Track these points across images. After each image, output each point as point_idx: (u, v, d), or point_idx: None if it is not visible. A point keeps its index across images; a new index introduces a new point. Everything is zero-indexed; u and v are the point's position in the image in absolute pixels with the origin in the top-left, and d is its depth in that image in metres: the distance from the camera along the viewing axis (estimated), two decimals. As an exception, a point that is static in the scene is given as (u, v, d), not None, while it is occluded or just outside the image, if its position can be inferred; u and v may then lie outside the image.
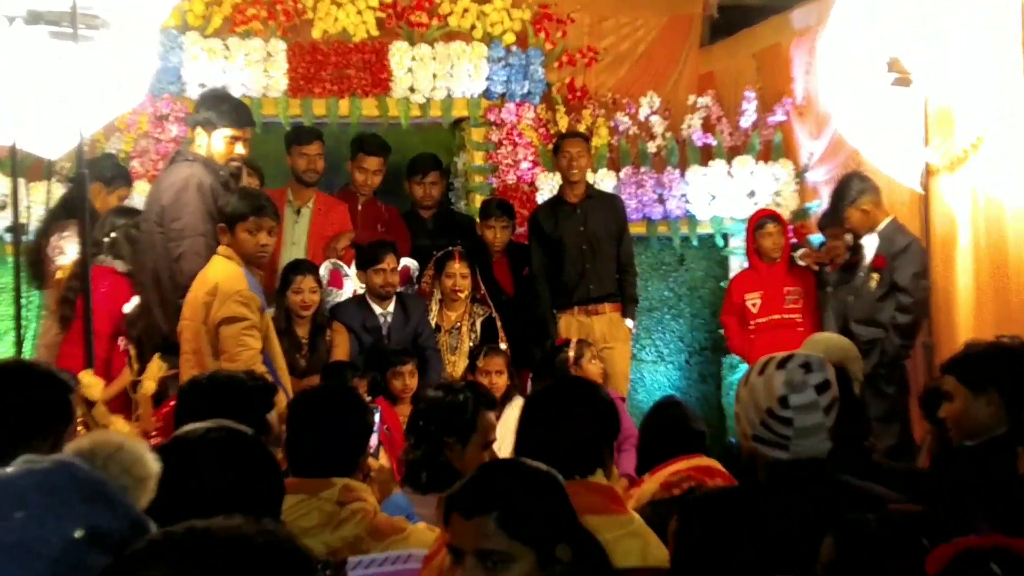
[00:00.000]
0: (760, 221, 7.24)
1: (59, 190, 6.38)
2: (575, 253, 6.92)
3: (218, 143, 5.40)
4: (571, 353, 6.20)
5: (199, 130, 5.41)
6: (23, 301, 5.33)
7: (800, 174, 7.81)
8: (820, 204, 7.48)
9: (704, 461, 4.05)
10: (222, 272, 4.92)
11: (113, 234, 5.78)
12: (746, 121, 7.96)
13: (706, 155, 7.95)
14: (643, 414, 4.62)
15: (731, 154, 7.91)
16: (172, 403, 4.28)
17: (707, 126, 8.01)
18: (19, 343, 5.27)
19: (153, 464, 1.97)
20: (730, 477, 3.92)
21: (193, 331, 4.93)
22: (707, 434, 4.27)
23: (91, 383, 4.48)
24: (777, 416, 2.73)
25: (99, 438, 1.95)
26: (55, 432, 2.92)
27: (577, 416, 3.16)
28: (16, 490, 1.76)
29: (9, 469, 1.82)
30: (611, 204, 7.10)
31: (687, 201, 7.87)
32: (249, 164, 6.30)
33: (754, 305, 7.20)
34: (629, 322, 7.00)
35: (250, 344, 4.86)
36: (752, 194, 7.83)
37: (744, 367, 7.41)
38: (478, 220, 7.15)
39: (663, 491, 3.84)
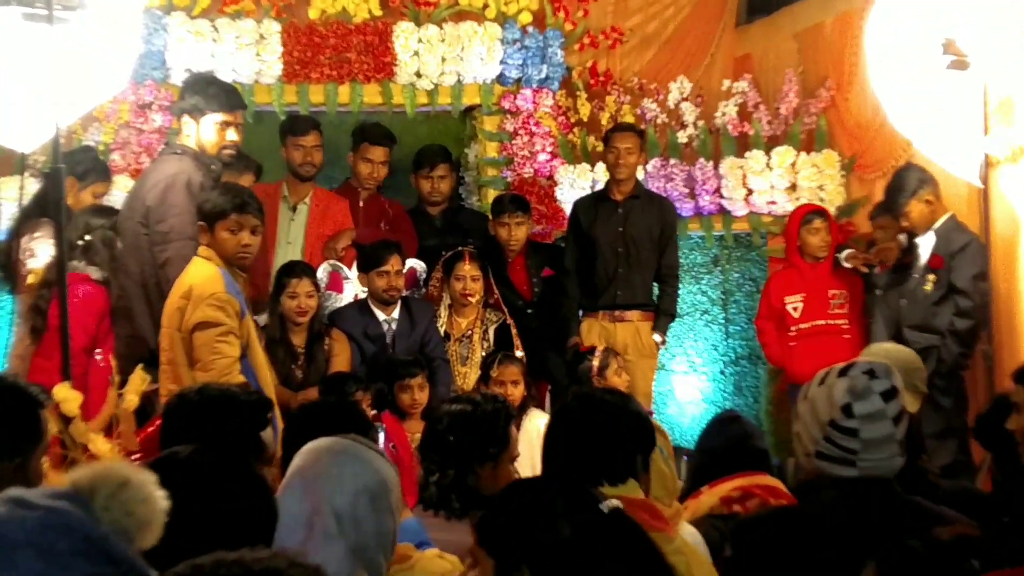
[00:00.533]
0: (807, 216, 7.21)
1: (33, 186, 6.41)
2: (609, 254, 6.96)
3: (208, 131, 5.41)
4: (595, 362, 6.22)
5: (186, 119, 5.43)
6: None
7: (846, 165, 7.80)
8: (866, 200, 7.48)
9: (768, 480, 4.07)
10: (198, 274, 4.93)
11: (88, 237, 5.80)
12: (786, 108, 7.95)
13: (742, 145, 7.95)
14: (674, 430, 4.64)
15: (770, 144, 7.90)
16: (157, 423, 4.29)
17: (743, 114, 8.01)
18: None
19: (161, 503, 1.93)
20: (794, 500, 3.94)
21: (169, 339, 4.95)
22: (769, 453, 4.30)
23: (68, 397, 4.48)
24: (841, 427, 2.75)
25: (102, 472, 1.89)
26: (23, 452, 2.93)
27: (607, 425, 3.20)
28: (4, 546, 1.72)
29: None
30: (658, 207, 7.13)
31: (721, 196, 7.86)
32: (245, 160, 6.33)
33: (795, 309, 7.18)
34: (657, 337, 7.00)
35: (225, 351, 4.85)
36: (793, 188, 7.82)
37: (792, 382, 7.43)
38: (491, 217, 7.18)
39: (722, 505, 3.86)
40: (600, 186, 7.50)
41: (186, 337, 4.89)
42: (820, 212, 7.28)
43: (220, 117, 5.43)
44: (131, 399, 4.96)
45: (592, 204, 7.13)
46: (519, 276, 7.07)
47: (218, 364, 4.82)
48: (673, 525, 3.29)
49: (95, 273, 5.70)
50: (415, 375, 6.02)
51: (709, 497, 3.94)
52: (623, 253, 6.96)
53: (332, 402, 4.32)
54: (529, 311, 6.96)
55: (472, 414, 3.74)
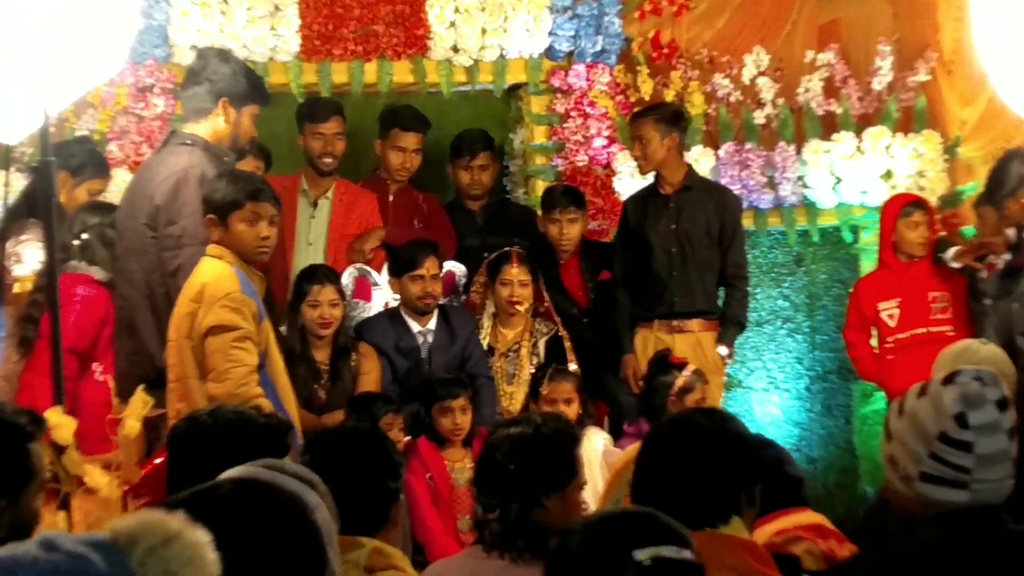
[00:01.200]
0: (905, 207, 7.13)
1: (20, 182, 6.45)
2: (662, 256, 6.88)
3: (246, 122, 5.55)
4: (680, 382, 6.09)
5: (222, 103, 5.46)
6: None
7: (950, 149, 7.72)
8: (976, 187, 7.39)
9: (812, 517, 4.05)
10: (209, 273, 4.94)
11: (84, 235, 5.82)
12: (880, 83, 7.89)
13: (829, 126, 7.90)
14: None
15: (861, 124, 7.86)
16: (164, 455, 4.29)
17: (830, 90, 7.95)
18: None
19: (211, 569, 1.87)
20: (843, 537, 3.91)
21: (176, 351, 4.94)
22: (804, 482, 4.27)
23: (61, 423, 4.50)
24: (954, 440, 2.71)
25: (147, 522, 1.84)
26: (12, 491, 2.93)
27: (707, 454, 3.20)
28: None
29: (6, 553, 1.74)
30: (717, 198, 7.03)
31: (805, 185, 7.82)
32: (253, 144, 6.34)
33: (891, 316, 7.11)
34: (723, 349, 6.88)
35: (242, 359, 4.85)
36: (888, 175, 7.77)
37: (881, 396, 7.35)
38: (540, 212, 7.15)
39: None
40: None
41: (197, 345, 4.89)
42: (919, 203, 7.20)
43: (258, 109, 5.60)
44: (132, 425, 4.98)
45: (642, 201, 7.07)
46: (573, 280, 7.04)
47: (234, 374, 4.83)
48: None
49: (98, 274, 5.74)
50: (457, 396, 5.99)
51: None
52: (677, 253, 6.88)
53: (353, 428, 4.26)
54: (585, 320, 6.93)
55: (535, 438, 3.70)
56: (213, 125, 5.47)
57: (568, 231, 6.96)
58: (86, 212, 5.96)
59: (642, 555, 2.27)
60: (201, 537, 1.87)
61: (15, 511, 2.93)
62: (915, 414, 2.79)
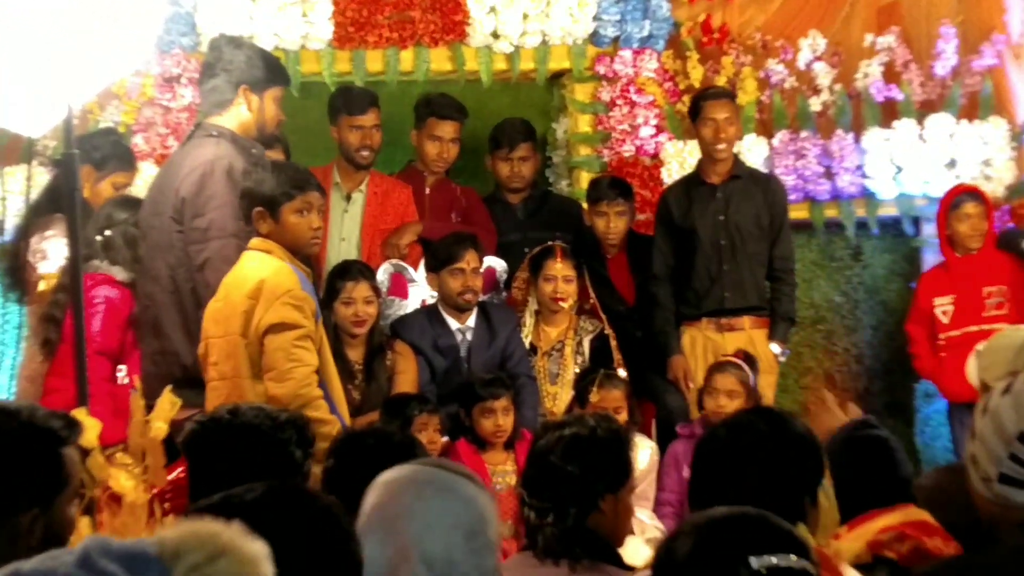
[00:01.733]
0: (956, 199, 7.15)
1: (43, 176, 6.51)
2: (710, 250, 6.89)
3: (271, 107, 5.57)
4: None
5: (242, 91, 5.52)
6: (-2, 320, 5.44)
7: (1018, 136, 7.70)
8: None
9: (918, 514, 4.03)
10: (265, 269, 4.98)
11: (108, 232, 5.88)
12: (943, 67, 7.87)
13: (889, 113, 7.89)
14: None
15: (923, 111, 7.84)
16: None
17: (890, 75, 7.94)
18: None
19: None
20: (948, 536, 3.90)
21: (226, 349, 4.98)
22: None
23: (86, 425, 4.55)
24: None
25: (196, 534, 1.79)
26: (44, 499, 2.94)
27: (768, 457, 3.19)
28: None
29: (41, 567, 1.73)
30: (765, 188, 7.05)
31: (864, 175, 7.81)
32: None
33: (944, 313, 7.14)
34: (775, 347, 6.90)
35: (305, 359, 4.92)
36: (952, 164, 7.76)
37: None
38: (585, 205, 7.17)
39: (869, 551, 3.83)
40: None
41: (253, 343, 4.94)
42: (974, 194, 7.20)
43: (280, 92, 5.62)
44: (159, 427, 5.01)
45: (684, 191, 7.06)
46: (620, 276, 7.07)
47: (297, 374, 4.89)
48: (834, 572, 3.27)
49: (120, 274, 5.77)
50: (499, 397, 6.00)
51: (851, 542, 3.89)
52: (727, 246, 6.89)
53: (379, 432, 4.21)
54: (633, 317, 6.96)
55: (591, 439, 3.72)
56: (237, 115, 5.52)
57: (616, 224, 7.00)
58: (114, 207, 6.00)
59: (758, 563, 2.22)
60: (257, 551, 1.83)
61: (48, 519, 2.94)
62: (997, 412, 2.79)
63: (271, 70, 5.59)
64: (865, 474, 4.02)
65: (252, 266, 5.04)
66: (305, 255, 5.21)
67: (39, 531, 2.88)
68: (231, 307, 4.99)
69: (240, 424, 3.71)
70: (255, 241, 5.09)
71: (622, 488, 3.70)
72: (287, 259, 5.05)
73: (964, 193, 7.21)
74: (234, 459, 3.55)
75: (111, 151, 6.41)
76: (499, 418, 5.96)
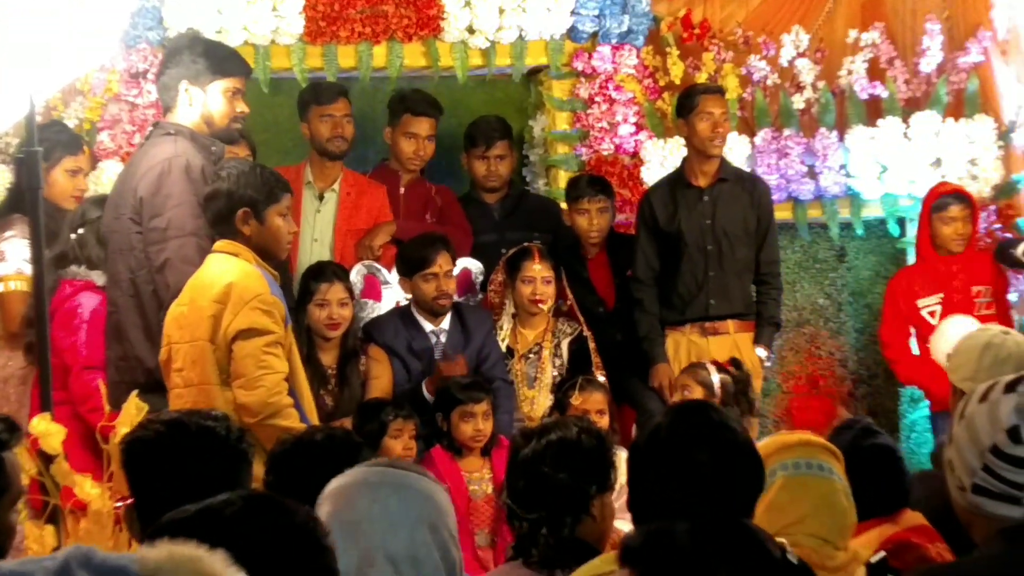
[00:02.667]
0: (941, 200, 7.16)
1: (4, 175, 6.47)
2: (696, 255, 6.88)
3: (216, 100, 5.48)
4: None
5: (186, 88, 5.47)
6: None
7: (1005, 134, 7.70)
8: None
9: (917, 519, 4.05)
10: (233, 272, 4.96)
11: (81, 231, 5.84)
12: (928, 64, 7.88)
13: (874, 111, 7.89)
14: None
15: (908, 109, 7.84)
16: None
17: (875, 72, 7.94)
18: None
19: None
20: (944, 541, 3.91)
21: (192, 355, 4.95)
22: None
23: (49, 431, 4.52)
24: (1006, 455, 2.70)
25: (178, 556, 1.80)
26: None
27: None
28: None
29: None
30: (751, 190, 7.05)
31: (848, 175, 7.81)
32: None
33: (932, 314, 7.15)
34: (761, 351, 6.91)
35: (275, 365, 4.91)
36: (938, 163, 7.76)
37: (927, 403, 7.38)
38: (564, 204, 7.15)
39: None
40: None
41: (221, 349, 4.92)
42: (959, 195, 7.22)
43: (230, 84, 5.50)
44: (124, 433, 5.00)
45: (669, 193, 7.03)
46: (600, 277, 7.05)
47: (267, 381, 4.88)
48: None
49: (100, 279, 5.75)
50: (480, 400, 6.00)
51: (860, 548, 3.89)
52: (714, 252, 6.88)
53: (316, 438, 4.01)
54: (615, 320, 6.95)
55: (578, 444, 3.73)
56: (185, 112, 5.48)
57: (598, 221, 6.98)
58: (89, 205, 6.00)
59: None
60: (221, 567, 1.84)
61: None
62: (972, 420, 2.77)
63: (214, 61, 5.50)
64: (873, 483, 4.02)
65: (219, 269, 5.00)
66: (277, 259, 5.18)
67: None
68: (197, 311, 4.96)
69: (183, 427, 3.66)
70: (221, 244, 5.07)
71: (608, 491, 3.70)
72: (255, 262, 5.03)
73: (950, 194, 7.21)
74: (181, 463, 3.48)
75: (55, 139, 6.35)
76: (479, 422, 5.96)
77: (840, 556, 3.34)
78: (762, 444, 3.46)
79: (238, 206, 5.04)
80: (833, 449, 3.56)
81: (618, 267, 7.09)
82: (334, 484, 2.85)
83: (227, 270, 4.98)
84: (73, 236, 5.85)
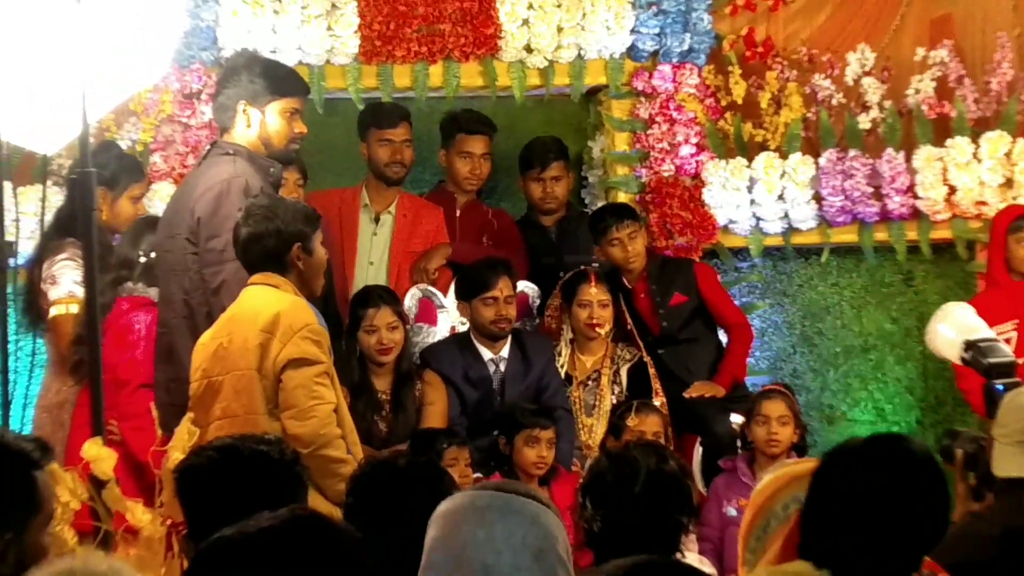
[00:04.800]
0: (1015, 221, 7.12)
1: (57, 197, 6.54)
2: None
3: (274, 121, 5.53)
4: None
5: (244, 108, 5.52)
6: (10, 347, 5.42)
7: (1079, 155, 7.67)
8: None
9: None
10: (280, 302, 4.97)
11: (153, 254, 5.90)
12: (999, 82, 7.85)
13: (942, 131, 7.85)
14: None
15: (978, 128, 7.81)
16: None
17: (943, 91, 7.91)
18: (5, 406, 5.37)
19: None
20: None
21: (237, 386, 4.96)
22: None
23: (100, 456, 4.54)
24: None
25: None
26: (17, 523, 2.97)
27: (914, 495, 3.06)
28: None
29: None
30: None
31: (916, 196, 7.77)
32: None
33: (1009, 341, 7.07)
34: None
35: (326, 396, 4.91)
36: (1009, 184, 7.71)
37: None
38: (595, 242, 7.10)
39: None
40: (759, 184, 7.51)
41: (269, 379, 4.92)
42: None
43: (289, 104, 5.55)
44: (176, 458, 5.03)
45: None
46: (643, 304, 7.02)
47: (319, 412, 4.88)
48: None
49: (157, 296, 5.79)
50: (547, 427, 6.02)
51: None
52: None
53: (399, 463, 3.98)
54: (661, 351, 6.93)
55: (668, 471, 3.79)
56: (244, 133, 5.54)
57: (634, 248, 6.93)
58: (144, 225, 6.06)
59: None
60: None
61: (20, 545, 2.98)
62: None
63: (273, 81, 5.56)
64: None
65: (263, 299, 5.01)
66: (314, 292, 5.21)
67: (12, 556, 2.91)
68: (241, 341, 4.96)
69: (237, 453, 3.71)
70: (258, 276, 5.06)
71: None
72: (295, 293, 5.05)
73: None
74: (236, 490, 3.53)
75: (118, 165, 6.43)
76: (543, 449, 5.98)
77: None
78: (772, 476, 3.48)
79: (292, 242, 5.05)
80: None
81: (660, 295, 7.01)
82: (443, 507, 2.87)
83: (272, 300, 4.99)
84: (144, 259, 5.91)
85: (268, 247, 5.05)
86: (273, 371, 4.91)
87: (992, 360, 5.39)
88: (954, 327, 5.55)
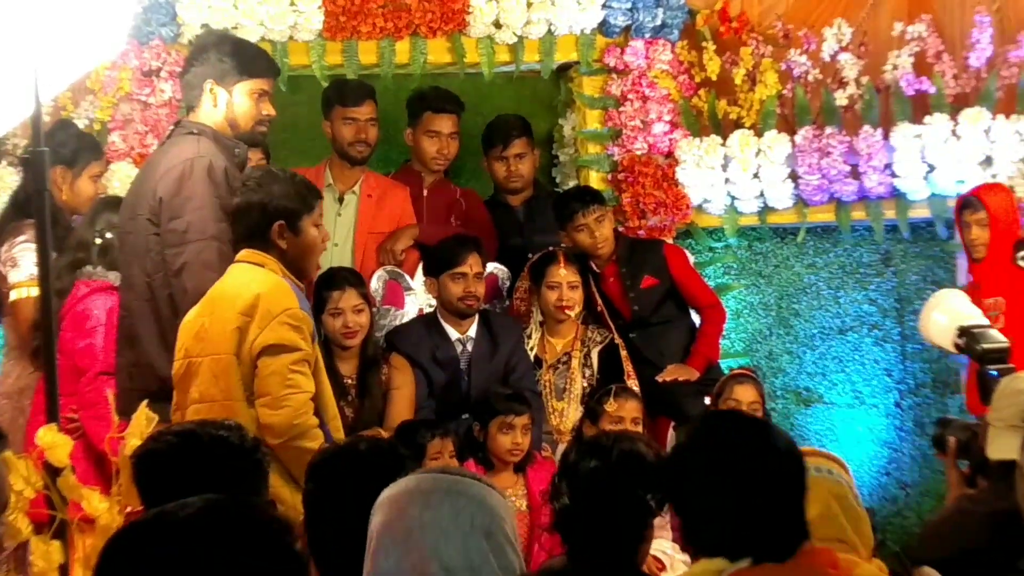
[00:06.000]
0: (962, 204, 7.22)
1: (12, 177, 6.51)
2: None
3: (242, 101, 5.52)
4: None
5: (211, 87, 5.50)
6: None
7: (1059, 132, 7.69)
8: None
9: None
10: (261, 283, 4.95)
11: (108, 235, 5.87)
12: (978, 58, 7.86)
13: (921, 108, 7.87)
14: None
15: (957, 105, 7.82)
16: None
17: (921, 66, 7.92)
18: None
19: None
20: None
21: (214, 370, 4.93)
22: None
23: (56, 443, 4.53)
24: None
25: None
26: None
27: (754, 473, 3.13)
28: None
29: None
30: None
31: (894, 174, 7.78)
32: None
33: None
34: None
35: (302, 384, 4.89)
36: (988, 162, 7.73)
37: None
38: (560, 228, 7.04)
39: None
40: (734, 163, 7.51)
41: (246, 364, 4.91)
42: (972, 199, 7.20)
43: (257, 85, 5.54)
44: (134, 444, 5.01)
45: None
46: (612, 288, 6.99)
47: (293, 401, 4.85)
48: None
49: (116, 280, 5.77)
50: (522, 413, 6.01)
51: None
52: None
53: (360, 448, 3.94)
54: (632, 334, 6.91)
55: (634, 452, 3.89)
56: (209, 112, 5.51)
57: (601, 232, 6.89)
58: (103, 206, 6.03)
59: None
60: None
61: None
62: None
63: (242, 61, 5.53)
64: None
65: (244, 280, 4.99)
66: (307, 274, 5.20)
67: None
68: (220, 324, 4.94)
69: (196, 438, 3.70)
70: (245, 253, 5.06)
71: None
72: (281, 273, 5.02)
73: (969, 198, 7.23)
74: (193, 475, 3.52)
75: (77, 144, 6.41)
76: (518, 436, 5.96)
77: (865, 569, 3.34)
78: None
79: (274, 219, 5.04)
80: (840, 460, 3.60)
81: (630, 278, 6.97)
82: (386, 493, 2.88)
83: (254, 281, 4.96)
84: (99, 241, 5.88)
85: (250, 222, 5.07)
86: (250, 356, 4.89)
87: (986, 346, 5.43)
88: (947, 314, 5.59)
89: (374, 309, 6.34)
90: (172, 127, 5.80)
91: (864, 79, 7.91)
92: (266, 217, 5.04)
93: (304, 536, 3.52)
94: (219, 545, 2.20)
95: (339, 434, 5.13)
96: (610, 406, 6.09)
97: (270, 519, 2.36)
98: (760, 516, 3.02)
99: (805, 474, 3.16)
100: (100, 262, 5.91)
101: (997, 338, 5.51)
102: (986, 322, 5.61)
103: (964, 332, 5.48)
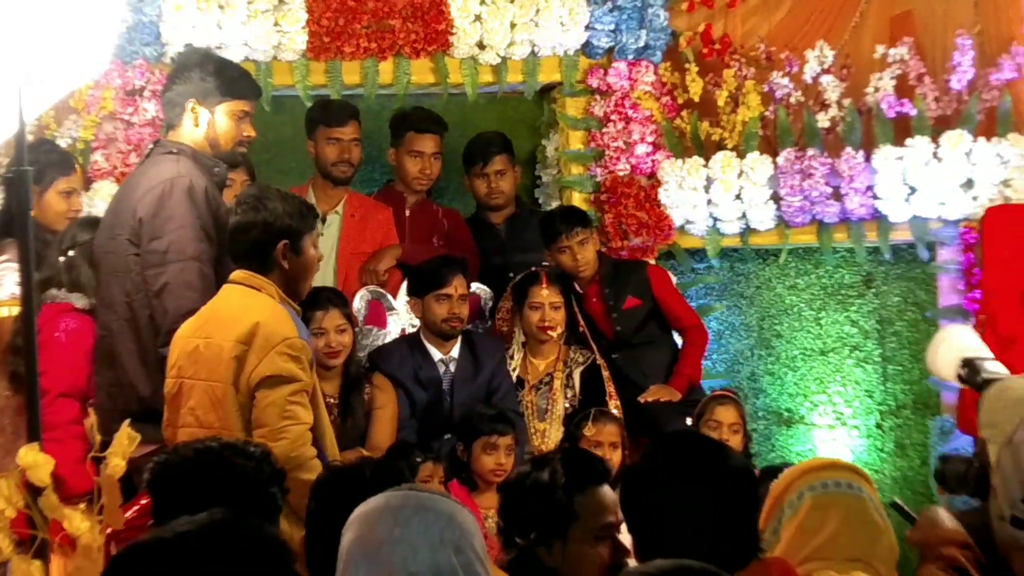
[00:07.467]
0: None
1: (-4, 198, 6.51)
2: None
3: (224, 122, 5.53)
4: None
5: (193, 107, 5.50)
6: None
7: (1040, 154, 7.72)
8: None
9: None
10: (260, 310, 4.90)
11: (71, 252, 5.86)
12: (959, 81, 7.88)
13: (902, 130, 7.88)
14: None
15: (938, 128, 7.84)
16: (144, 500, 4.34)
17: (903, 89, 7.94)
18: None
19: None
20: None
21: (211, 397, 4.90)
22: None
23: (37, 462, 4.53)
24: None
25: None
26: None
27: (707, 492, 3.18)
28: None
29: None
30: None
31: (875, 197, 7.80)
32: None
33: None
34: None
35: (299, 416, 4.85)
36: (970, 184, 7.75)
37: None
38: (544, 245, 7.06)
39: None
40: (716, 184, 7.52)
41: (244, 394, 4.87)
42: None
43: (239, 106, 5.54)
44: (116, 464, 5.00)
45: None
46: (595, 308, 6.99)
47: (291, 432, 4.81)
48: None
49: (79, 301, 5.75)
50: (506, 433, 6.02)
51: None
52: None
53: (364, 471, 4.07)
54: (615, 355, 6.90)
55: (526, 480, 4.02)
56: (190, 132, 5.52)
57: (583, 255, 6.88)
58: (79, 227, 6.00)
59: None
60: None
61: None
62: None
63: (225, 82, 5.55)
64: None
65: (242, 304, 4.96)
66: (301, 295, 5.18)
67: None
68: (216, 350, 4.91)
69: (213, 461, 3.71)
70: (242, 274, 5.02)
71: (567, 535, 3.91)
72: (278, 298, 4.99)
73: None
74: (205, 498, 3.53)
75: (45, 159, 6.36)
76: (501, 456, 5.98)
77: None
78: (788, 470, 3.54)
79: (278, 238, 4.99)
80: (860, 471, 3.59)
81: (613, 298, 6.97)
82: (357, 511, 2.91)
83: (252, 308, 4.92)
84: (62, 259, 5.87)
85: (252, 240, 5.01)
86: (247, 386, 4.86)
87: (986, 376, 5.46)
88: (953, 347, 5.60)
89: (357, 329, 6.33)
90: (151, 146, 5.80)
91: (846, 101, 7.93)
92: (270, 236, 4.99)
93: (303, 556, 3.55)
94: (220, 564, 2.22)
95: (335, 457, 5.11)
96: (588, 430, 6.09)
97: (270, 539, 2.37)
98: (711, 530, 3.07)
99: (757, 492, 3.21)
100: (66, 279, 5.88)
101: (999, 370, 5.55)
102: (991, 355, 5.62)
103: (967, 363, 5.51)
